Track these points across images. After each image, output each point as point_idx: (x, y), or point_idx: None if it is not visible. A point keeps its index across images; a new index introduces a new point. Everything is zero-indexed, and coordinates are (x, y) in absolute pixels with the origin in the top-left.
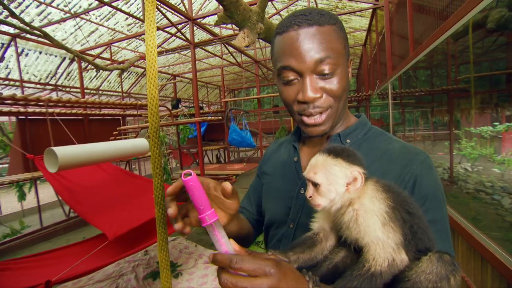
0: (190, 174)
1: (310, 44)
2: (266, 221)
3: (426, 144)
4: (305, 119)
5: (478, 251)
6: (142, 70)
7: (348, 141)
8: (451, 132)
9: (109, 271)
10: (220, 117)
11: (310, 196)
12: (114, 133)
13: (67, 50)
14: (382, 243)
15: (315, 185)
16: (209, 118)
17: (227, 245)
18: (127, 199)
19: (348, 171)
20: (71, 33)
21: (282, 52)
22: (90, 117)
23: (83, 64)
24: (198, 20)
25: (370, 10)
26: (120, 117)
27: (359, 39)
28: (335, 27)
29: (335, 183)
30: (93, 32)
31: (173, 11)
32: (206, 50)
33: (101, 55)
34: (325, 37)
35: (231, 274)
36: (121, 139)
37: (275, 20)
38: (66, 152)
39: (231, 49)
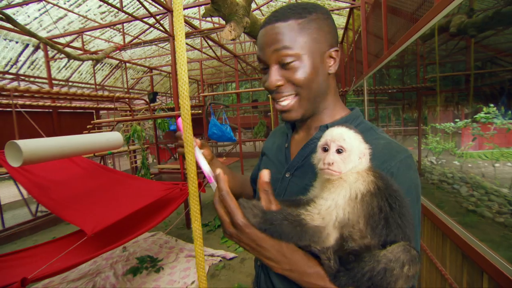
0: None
1: (270, 38)
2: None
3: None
4: (276, 105)
5: (440, 228)
6: (117, 61)
7: None
8: (419, 127)
9: (84, 270)
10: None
11: (331, 163)
12: (88, 126)
13: (34, 36)
14: (333, 208)
15: (340, 151)
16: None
17: (204, 166)
18: (105, 193)
19: (362, 147)
20: (35, 18)
21: (257, 46)
22: (60, 110)
23: (51, 53)
24: None
25: (348, 9)
26: (94, 111)
27: None
28: (302, 21)
29: (355, 154)
30: (61, 18)
31: (151, 1)
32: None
33: (71, 44)
34: (286, 32)
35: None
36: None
37: (258, 16)
38: (31, 145)
39: (210, 42)
